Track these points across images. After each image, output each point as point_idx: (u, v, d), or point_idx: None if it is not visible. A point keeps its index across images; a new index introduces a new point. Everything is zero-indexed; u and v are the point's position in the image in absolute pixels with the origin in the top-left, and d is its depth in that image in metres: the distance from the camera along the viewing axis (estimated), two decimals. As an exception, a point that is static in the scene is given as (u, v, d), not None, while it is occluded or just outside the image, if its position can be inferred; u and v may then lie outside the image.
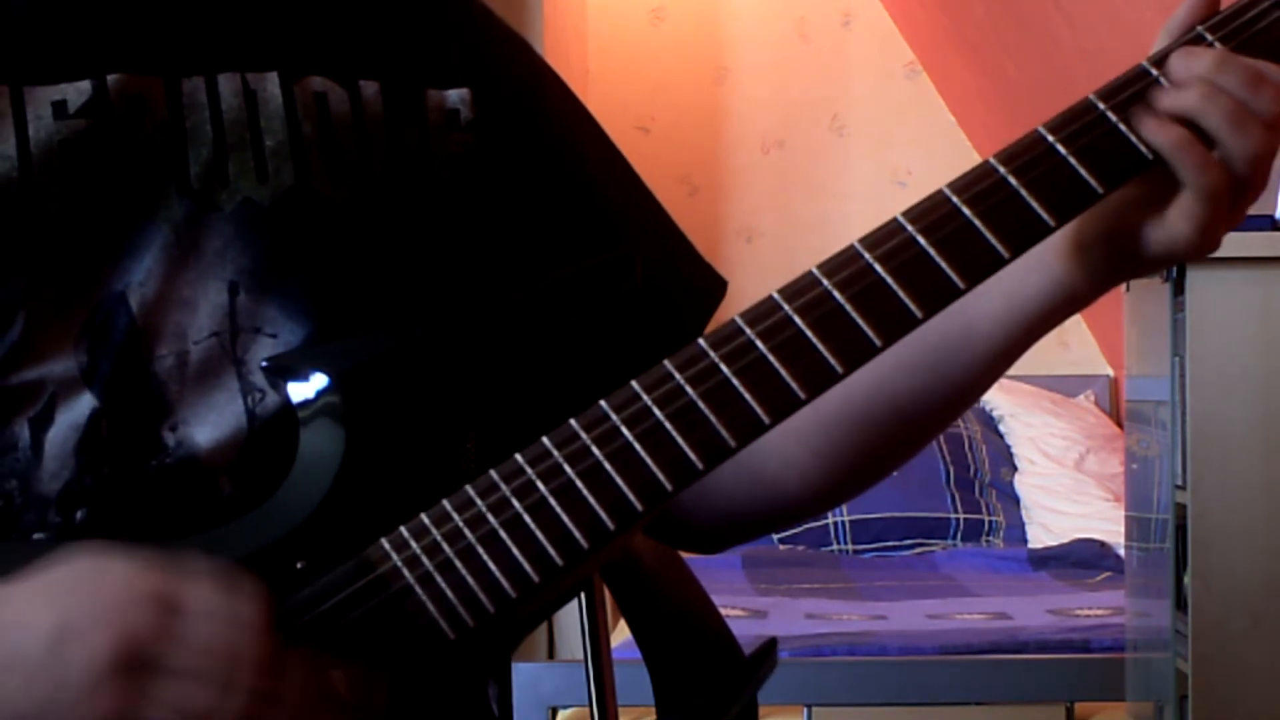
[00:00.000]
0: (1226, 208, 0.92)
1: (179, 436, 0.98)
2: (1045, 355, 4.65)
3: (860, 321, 0.89)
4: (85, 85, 0.98)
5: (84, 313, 0.97)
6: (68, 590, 0.82)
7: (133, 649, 0.80)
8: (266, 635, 0.82)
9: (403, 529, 0.90)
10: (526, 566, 0.88)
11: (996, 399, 4.57)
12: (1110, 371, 4.79)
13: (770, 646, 1.03)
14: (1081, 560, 4.03)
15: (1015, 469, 4.48)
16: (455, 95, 1.08)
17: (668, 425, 0.89)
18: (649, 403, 0.89)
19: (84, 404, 0.97)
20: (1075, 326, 4.75)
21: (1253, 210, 2.51)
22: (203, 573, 0.83)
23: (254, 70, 1.02)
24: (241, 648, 0.81)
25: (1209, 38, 0.92)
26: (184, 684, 0.81)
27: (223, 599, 0.82)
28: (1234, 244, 2.28)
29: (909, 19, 4.86)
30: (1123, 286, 2.63)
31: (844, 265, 0.90)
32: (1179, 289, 2.31)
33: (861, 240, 0.91)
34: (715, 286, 1.17)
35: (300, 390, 0.95)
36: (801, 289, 0.90)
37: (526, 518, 0.89)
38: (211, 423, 0.98)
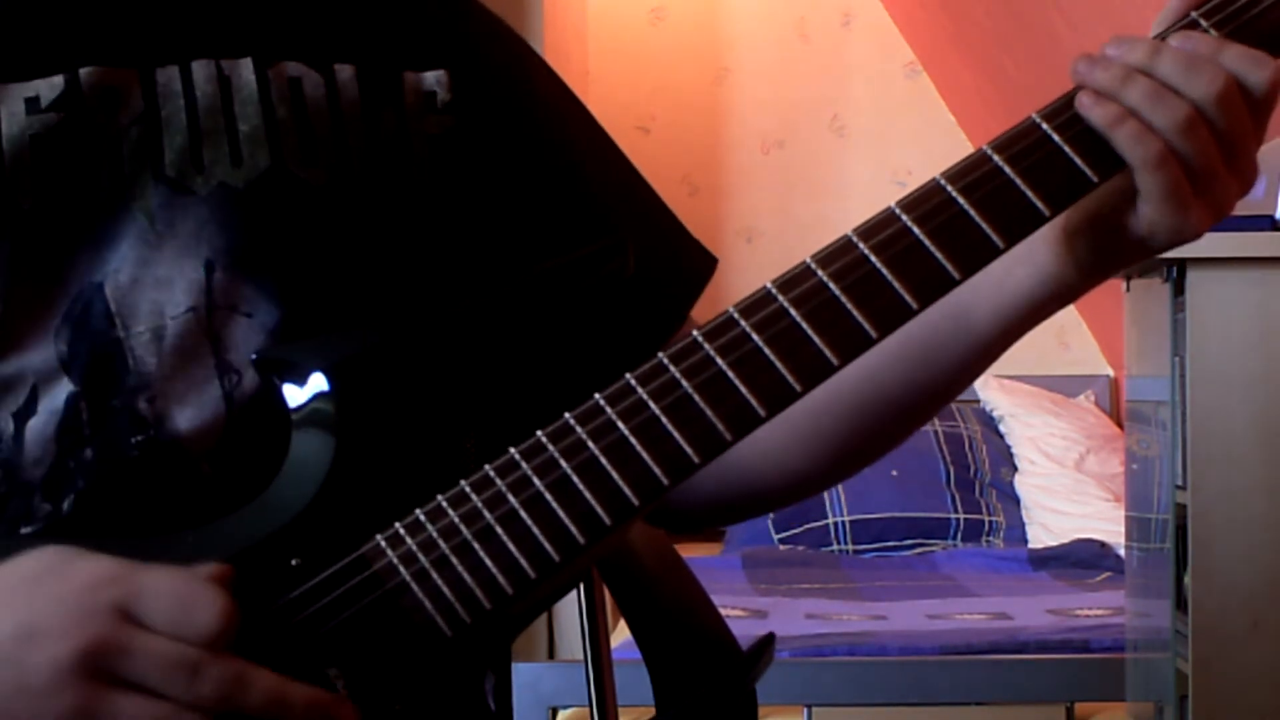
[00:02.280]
0: (1180, 185, 0.90)
1: (157, 411, 0.98)
2: (1045, 355, 4.65)
3: (855, 313, 0.89)
4: (58, 80, 0.99)
5: (63, 304, 0.98)
6: (31, 591, 0.83)
7: (93, 656, 0.81)
8: (227, 656, 0.82)
9: (398, 525, 0.89)
10: (523, 562, 0.88)
11: (996, 399, 4.57)
12: (1110, 371, 4.78)
13: (767, 641, 1.03)
14: (1081, 560, 4.03)
15: (1015, 469, 4.48)
16: (432, 77, 1.08)
17: (663, 418, 0.89)
18: (644, 396, 0.89)
19: (63, 390, 0.97)
20: (1075, 326, 4.74)
21: (1253, 210, 2.51)
22: (164, 583, 0.83)
23: (228, 57, 1.02)
24: (197, 663, 0.81)
25: (1204, 24, 0.91)
26: (141, 695, 0.81)
27: (183, 613, 0.82)
28: (1234, 244, 2.28)
29: (909, 19, 4.86)
30: (1122, 286, 2.63)
31: (838, 255, 0.90)
32: (1179, 289, 2.31)
33: (856, 230, 0.90)
34: (703, 266, 1.16)
35: (293, 382, 0.95)
36: (795, 279, 0.90)
37: (522, 513, 0.88)
38: (190, 403, 0.98)
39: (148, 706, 0.81)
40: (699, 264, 1.16)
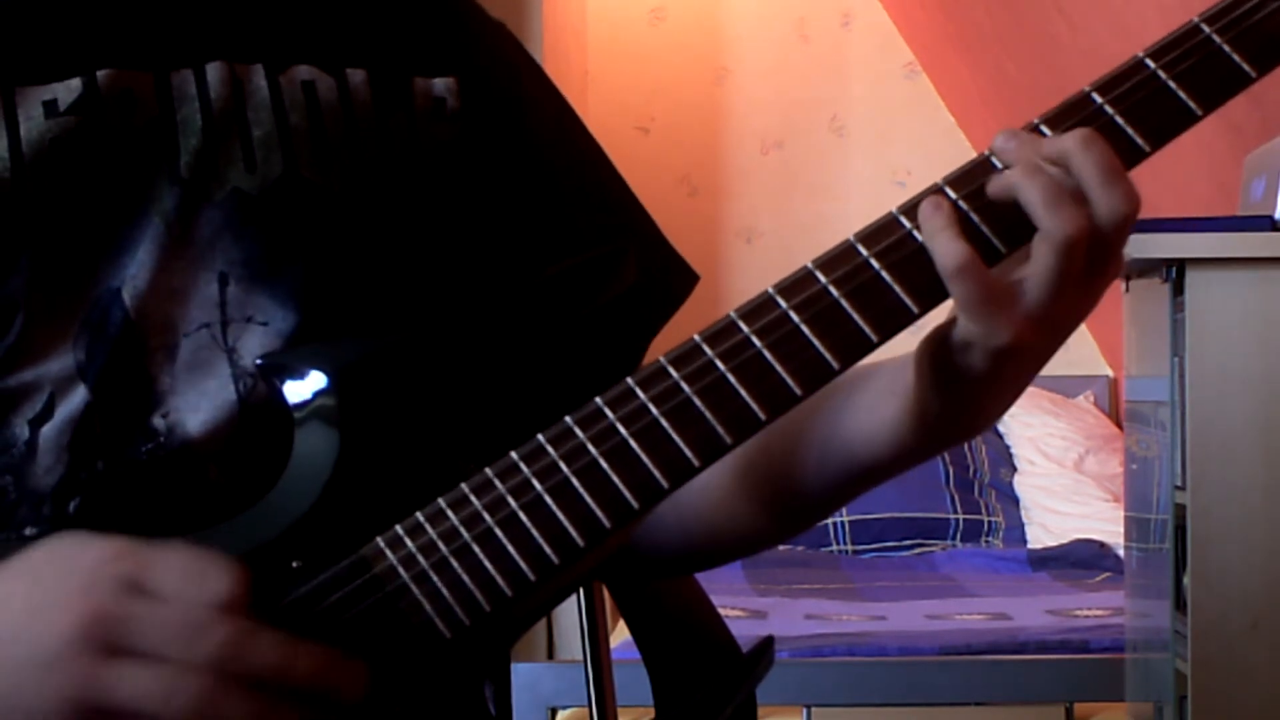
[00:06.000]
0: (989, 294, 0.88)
1: (170, 423, 0.98)
2: (1045, 356, 4.64)
3: (856, 318, 0.89)
4: (75, 83, 0.98)
5: (82, 310, 0.98)
6: (43, 571, 0.83)
7: (93, 627, 0.81)
8: (232, 617, 0.82)
9: (398, 527, 0.89)
10: (523, 565, 0.88)
11: (996, 399, 4.57)
12: (1110, 372, 4.79)
13: (767, 644, 1.03)
14: (1081, 561, 4.03)
15: (1015, 469, 4.48)
16: (441, 84, 1.08)
17: (664, 423, 0.89)
18: (645, 400, 0.89)
19: (78, 397, 0.97)
20: (1075, 327, 4.74)
21: (1253, 210, 2.50)
22: (174, 556, 0.83)
23: (241, 60, 1.02)
24: (204, 631, 0.81)
25: (1206, 30, 0.91)
26: (145, 664, 0.81)
27: (191, 583, 0.82)
28: (1234, 244, 2.28)
29: (909, 19, 4.86)
30: (1122, 287, 2.63)
31: (840, 261, 0.90)
32: (1178, 289, 2.31)
33: (857, 234, 0.91)
34: (684, 281, 1.16)
35: (295, 388, 0.95)
36: (797, 285, 0.90)
37: (522, 515, 0.89)
38: (204, 409, 0.98)
39: (148, 672, 0.81)
40: (680, 279, 1.16)
